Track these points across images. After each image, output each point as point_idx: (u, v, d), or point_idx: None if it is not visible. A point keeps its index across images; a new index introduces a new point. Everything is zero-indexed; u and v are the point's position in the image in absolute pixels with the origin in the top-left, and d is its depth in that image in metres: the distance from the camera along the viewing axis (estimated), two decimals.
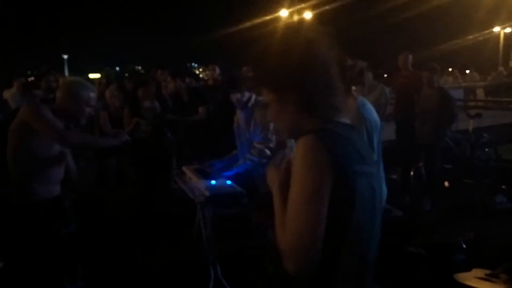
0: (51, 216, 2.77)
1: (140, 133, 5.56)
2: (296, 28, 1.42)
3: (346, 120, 1.42)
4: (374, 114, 2.41)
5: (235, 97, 3.78)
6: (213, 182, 3.52)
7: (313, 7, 25.15)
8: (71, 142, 2.89)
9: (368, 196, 1.31)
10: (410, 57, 6.87)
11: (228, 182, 3.54)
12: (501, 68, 18.67)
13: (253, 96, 3.82)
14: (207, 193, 3.31)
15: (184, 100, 6.57)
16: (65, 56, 38.66)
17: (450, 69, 22.97)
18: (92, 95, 2.90)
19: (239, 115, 3.92)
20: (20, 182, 2.77)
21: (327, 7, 23.74)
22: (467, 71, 21.72)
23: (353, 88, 2.42)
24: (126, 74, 12.07)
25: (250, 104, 3.81)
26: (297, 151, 1.28)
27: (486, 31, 33.64)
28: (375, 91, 5.81)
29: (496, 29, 32.10)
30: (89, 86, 2.93)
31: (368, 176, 1.32)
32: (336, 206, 1.24)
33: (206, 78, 8.62)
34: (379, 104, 5.98)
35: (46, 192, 2.79)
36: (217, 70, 7.46)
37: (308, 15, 24.28)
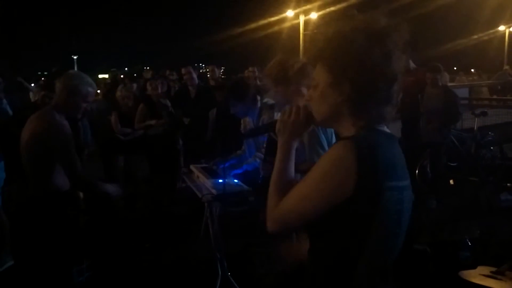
0: (69, 207, 2.83)
1: (155, 131, 5.68)
2: (384, 28, 1.32)
3: (385, 128, 1.40)
4: None
5: (234, 109, 3.80)
6: (220, 180, 3.55)
7: (318, 8, 25.16)
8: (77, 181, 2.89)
9: (394, 211, 1.30)
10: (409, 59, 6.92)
11: (235, 180, 3.57)
12: (506, 67, 18.57)
13: (258, 100, 3.83)
14: (214, 192, 3.34)
15: (191, 97, 6.60)
16: (75, 57, 39.10)
17: (455, 68, 22.91)
18: (91, 90, 2.91)
19: (246, 119, 3.93)
20: (39, 175, 2.81)
21: (332, 8, 23.71)
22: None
23: None
24: (135, 74, 12.15)
25: (256, 107, 3.81)
26: (331, 150, 1.30)
27: (491, 30, 33.49)
28: None
29: (501, 28, 31.91)
30: (88, 81, 2.93)
31: (399, 190, 1.30)
32: (355, 215, 1.26)
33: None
34: None
35: (64, 184, 2.85)
36: (216, 71, 7.49)
37: (313, 15, 24.31)
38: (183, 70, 7.14)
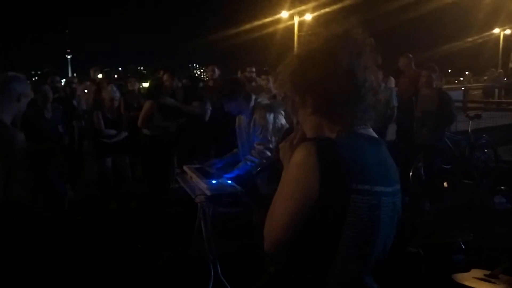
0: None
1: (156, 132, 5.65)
2: (324, 33, 1.37)
3: (369, 131, 1.40)
4: None
5: (227, 107, 3.79)
6: (214, 181, 3.53)
7: (312, 9, 25.17)
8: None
9: (367, 216, 1.28)
10: (412, 58, 6.97)
11: (229, 181, 3.54)
12: (500, 71, 18.66)
13: (253, 99, 3.82)
14: (208, 193, 3.31)
15: (178, 99, 6.60)
16: (69, 57, 39.22)
17: (449, 71, 23.01)
18: (28, 86, 2.78)
19: (241, 116, 3.93)
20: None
21: (327, 9, 23.78)
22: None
23: None
24: (128, 74, 12.12)
25: (250, 106, 3.80)
26: (294, 155, 1.30)
27: (486, 33, 33.71)
28: (385, 93, 5.85)
29: (496, 30, 32.10)
30: (23, 78, 2.80)
31: (373, 195, 1.28)
32: (324, 219, 1.26)
33: (206, 78, 8.65)
34: (388, 106, 6.01)
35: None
36: (216, 71, 7.47)
37: (308, 17, 24.32)
38: (165, 77, 7.10)
